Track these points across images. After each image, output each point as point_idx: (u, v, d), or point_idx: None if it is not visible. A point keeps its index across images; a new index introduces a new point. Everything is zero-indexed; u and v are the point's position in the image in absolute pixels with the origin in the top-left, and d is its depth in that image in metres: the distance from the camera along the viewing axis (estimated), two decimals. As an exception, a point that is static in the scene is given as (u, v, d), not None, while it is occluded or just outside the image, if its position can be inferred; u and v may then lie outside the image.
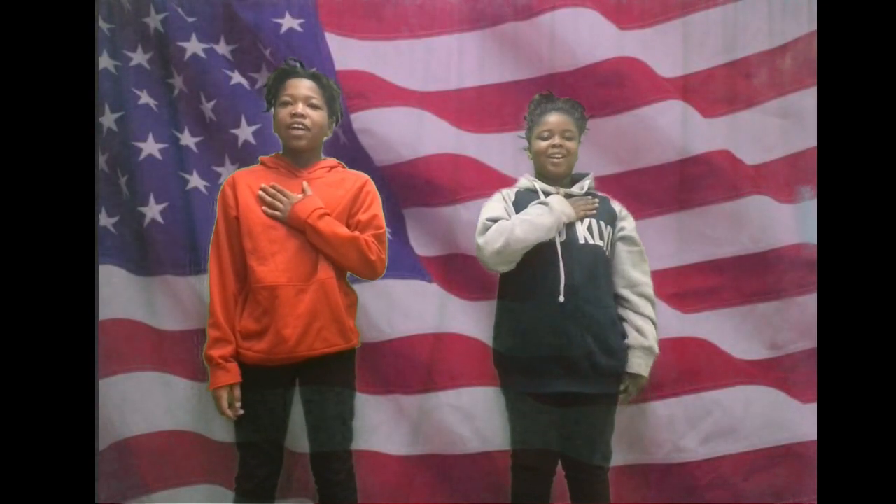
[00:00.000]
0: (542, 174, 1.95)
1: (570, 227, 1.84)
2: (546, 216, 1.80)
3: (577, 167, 1.97)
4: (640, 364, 1.84)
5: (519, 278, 1.85)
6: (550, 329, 1.79)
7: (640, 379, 1.86)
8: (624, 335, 1.86)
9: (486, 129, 2.26)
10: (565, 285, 1.79)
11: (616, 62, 2.20)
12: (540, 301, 1.81)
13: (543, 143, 1.90)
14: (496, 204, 1.90)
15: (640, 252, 1.92)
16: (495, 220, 1.83)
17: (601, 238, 1.86)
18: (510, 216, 1.85)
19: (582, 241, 1.84)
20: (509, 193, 1.93)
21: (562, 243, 1.82)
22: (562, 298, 1.78)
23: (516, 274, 1.85)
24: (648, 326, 1.86)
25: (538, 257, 1.81)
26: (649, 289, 1.90)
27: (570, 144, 1.90)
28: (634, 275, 1.89)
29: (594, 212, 1.88)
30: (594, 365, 1.79)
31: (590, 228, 1.86)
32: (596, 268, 1.84)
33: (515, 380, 1.87)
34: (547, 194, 1.89)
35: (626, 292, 1.88)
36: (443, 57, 2.25)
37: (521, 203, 1.88)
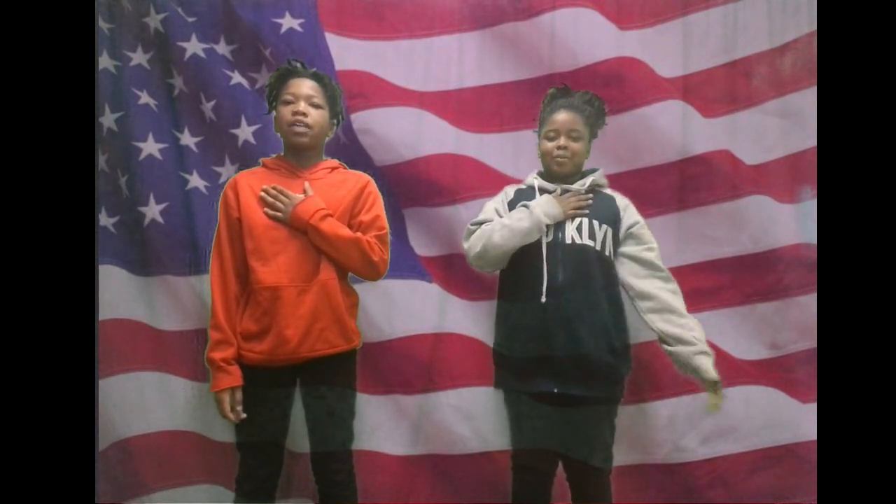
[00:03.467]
0: (547, 172, 1.94)
1: (558, 226, 1.83)
2: (525, 220, 1.80)
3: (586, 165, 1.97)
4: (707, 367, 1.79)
5: (511, 277, 1.87)
6: (533, 330, 1.79)
7: (712, 384, 1.80)
8: (623, 335, 1.85)
9: (486, 129, 2.26)
10: (547, 286, 1.78)
11: (616, 62, 2.20)
12: (525, 301, 1.81)
13: (549, 144, 1.89)
14: (490, 205, 1.92)
15: (652, 248, 1.87)
16: (480, 224, 1.87)
17: (591, 238, 1.83)
18: (500, 217, 1.87)
19: (569, 241, 1.82)
20: (510, 192, 1.94)
21: (548, 244, 1.81)
22: (543, 299, 1.78)
23: (509, 273, 1.87)
24: (685, 331, 1.80)
25: (525, 257, 1.82)
26: (673, 285, 1.86)
27: (576, 146, 1.88)
28: (643, 285, 1.84)
29: (585, 211, 1.85)
30: (583, 367, 1.77)
31: (579, 228, 1.83)
32: (586, 268, 1.81)
33: (508, 378, 1.87)
34: (544, 192, 1.88)
35: (653, 297, 1.83)
36: (443, 57, 2.25)
37: (517, 202, 1.89)
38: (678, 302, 1.84)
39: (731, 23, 2.25)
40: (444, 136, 2.23)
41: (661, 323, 1.82)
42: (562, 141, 1.87)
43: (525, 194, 1.91)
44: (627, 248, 1.88)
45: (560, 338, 1.77)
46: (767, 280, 2.18)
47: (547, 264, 1.80)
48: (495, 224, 1.84)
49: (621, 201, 1.92)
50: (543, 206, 1.82)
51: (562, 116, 1.89)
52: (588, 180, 1.90)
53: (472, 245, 1.86)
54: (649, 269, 1.86)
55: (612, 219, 1.88)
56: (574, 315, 1.78)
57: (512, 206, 1.89)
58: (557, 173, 1.90)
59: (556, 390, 1.78)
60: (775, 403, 2.14)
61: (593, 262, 1.83)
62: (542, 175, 1.95)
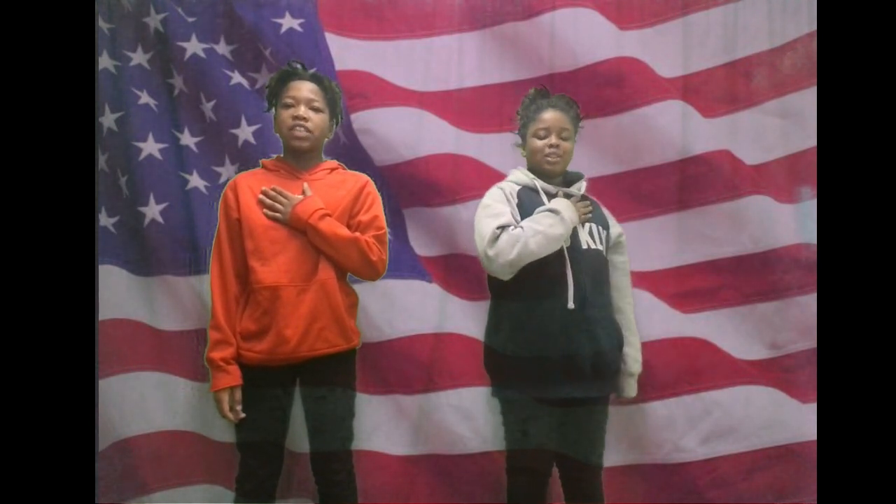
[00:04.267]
0: (536, 171, 1.90)
1: (573, 231, 1.82)
2: (558, 226, 1.76)
3: (575, 166, 1.95)
4: (632, 387, 1.93)
5: (522, 280, 1.79)
6: (559, 336, 1.77)
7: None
8: (620, 334, 1.87)
9: (486, 129, 2.26)
10: (574, 293, 1.77)
11: (616, 62, 2.20)
12: (548, 307, 1.78)
13: (540, 143, 1.86)
14: (501, 206, 1.82)
15: (628, 262, 1.96)
16: (503, 228, 1.76)
17: (601, 242, 1.86)
18: (517, 220, 1.79)
19: (585, 247, 1.82)
20: (511, 192, 1.85)
21: (568, 249, 1.80)
22: (571, 305, 1.76)
23: (520, 277, 1.79)
24: (636, 351, 1.92)
25: (545, 262, 1.77)
26: (631, 297, 1.95)
27: (567, 144, 1.87)
28: (622, 300, 1.92)
29: (591, 215, 1.87)
30: (597, 369, 1.79)
31: (591, 233, 1.85)
32: (600, 272, 1.85)
33: (515, 384, 1.83)
34: (548, 194, 1.86)
35: (622, 311, 1.92)
36: (443, 57, 2.25)
37: (524, 203, 1.83)
38: (632, 314, 1.93)
39: (731, 23, 2.25)
40: (444, 136, 2.23)
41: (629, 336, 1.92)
42: (553, 139, 1.85)
43: (529, 195, 1.85)
44: (617, 258, 1.93)
45: (584, 343, 1.77)
46: (767, 280, 2.19)
47: (572, 270, 1.78)
48: (527, 230, 1.75)
49: (603, 208, 1.96)
50: (568, 212, 1.79)
51: (550, 115, 1.87)
52: (582, 185, 1.91)
53: (503, 251, 1.73)
54: (628, 283, 1.93)
55: (605, 224, 1.91)
56: (594, 318, 1.80)
57: (522, 208, 1.83)
58: (549, 172, 1.88)
59: (577, 395, 1.78)
60: (775, 403, 2.15)
61: (604, 265, 1.87)
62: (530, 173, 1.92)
